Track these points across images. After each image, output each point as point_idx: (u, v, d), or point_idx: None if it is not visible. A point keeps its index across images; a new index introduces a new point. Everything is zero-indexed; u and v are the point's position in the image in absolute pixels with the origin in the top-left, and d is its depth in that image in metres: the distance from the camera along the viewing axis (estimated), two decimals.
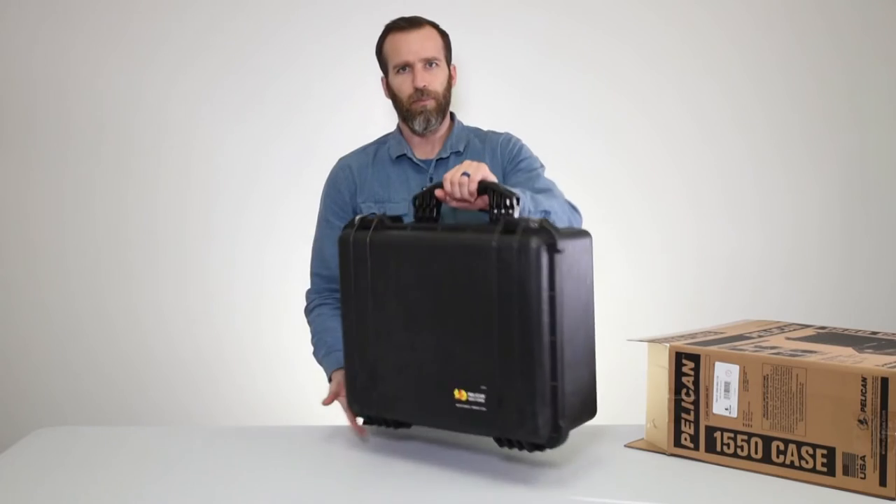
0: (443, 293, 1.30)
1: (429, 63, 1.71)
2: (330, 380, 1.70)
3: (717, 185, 2.84)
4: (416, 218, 1.44)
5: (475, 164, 1.41)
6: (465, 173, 1.38)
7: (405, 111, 1.74)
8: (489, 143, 1.79)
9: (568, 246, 1.24)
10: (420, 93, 1.70)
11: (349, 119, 2.74)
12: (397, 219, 1.44)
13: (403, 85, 1.72)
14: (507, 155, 1.77)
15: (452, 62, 1.79)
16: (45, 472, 1.41)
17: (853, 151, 2.86)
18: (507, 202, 1.31)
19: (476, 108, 2.42)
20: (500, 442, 1.32)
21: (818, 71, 2.84)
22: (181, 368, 2.81)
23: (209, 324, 2.80)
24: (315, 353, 1.77)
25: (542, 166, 1.77)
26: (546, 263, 1.21)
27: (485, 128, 1.85)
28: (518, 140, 1.81)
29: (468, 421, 1.31)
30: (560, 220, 1.53)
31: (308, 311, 1.84)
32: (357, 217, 1.42)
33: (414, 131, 1.75)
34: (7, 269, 2.81)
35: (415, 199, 1.44)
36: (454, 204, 1.41)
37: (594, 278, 1.30)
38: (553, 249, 1.21)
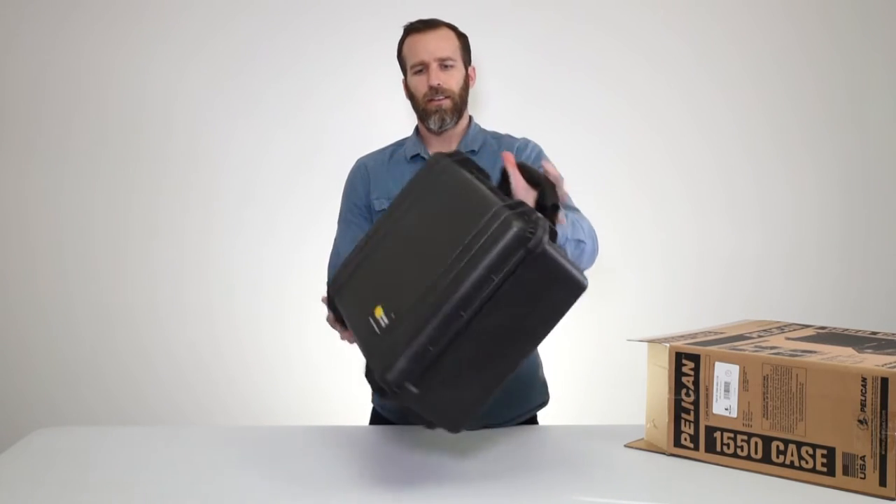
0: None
1: (444, 63, 1.73)
2: None
3: (717, 185, 2.84)
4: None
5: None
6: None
7: (421, 110, 1.76)
8: (505, 144, 1.80)
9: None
10: (434, 91, 1.72)
11: (350, 121, 2.75)
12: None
13: (419, 84, 1.74)
14: (525, 160, 1.77)
15: (472, 64, 1.80)
16: (45, 472, 1.41)
17: (853, 151, 2.86)
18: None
19: (477, 110, 2.42)
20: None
21: (818, 71, 2.84)
22: (181, 369, 2.80)
23: (209, 325, 2.80)
24: None
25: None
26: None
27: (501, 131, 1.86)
28: (536, 145, 1.81)
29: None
30: (589, 251, 1.55)
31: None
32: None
33: (430, 130, 1.77)
34: (7, 269, 2.81)
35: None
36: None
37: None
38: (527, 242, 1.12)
